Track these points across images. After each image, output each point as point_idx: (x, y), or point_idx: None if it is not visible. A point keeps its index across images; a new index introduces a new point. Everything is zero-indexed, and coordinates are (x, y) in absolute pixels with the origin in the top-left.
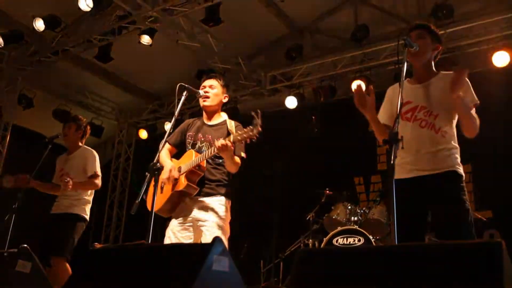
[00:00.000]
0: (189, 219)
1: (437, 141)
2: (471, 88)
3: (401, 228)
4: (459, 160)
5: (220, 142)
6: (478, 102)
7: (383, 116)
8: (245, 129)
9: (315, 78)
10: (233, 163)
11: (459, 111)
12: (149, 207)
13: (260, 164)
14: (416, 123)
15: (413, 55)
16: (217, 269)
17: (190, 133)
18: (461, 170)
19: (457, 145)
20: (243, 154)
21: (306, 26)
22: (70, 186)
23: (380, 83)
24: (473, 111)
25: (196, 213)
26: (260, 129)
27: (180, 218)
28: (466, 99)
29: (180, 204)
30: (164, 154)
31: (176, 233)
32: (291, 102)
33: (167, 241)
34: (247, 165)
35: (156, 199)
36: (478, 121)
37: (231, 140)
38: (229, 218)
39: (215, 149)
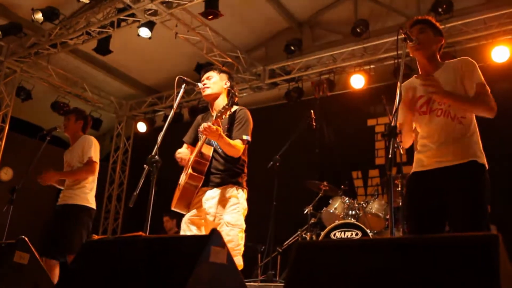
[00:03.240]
0: (201, 211)
1: (454, 129)
2: (476, 69)
3: (420, 221)
4: (480, 147)
5: (202, 125)
6: (482, 81)
7: (400, 117)
8: (223, 105)
9: (314, 72)
10: (228, 146)
11: (453, 105)
12: (172, 206)
13: (257, 158)
14: (433, 113)
15: (417, 49)
16: (215, 261)
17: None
18: (482, 159)
19: (476, 129)
20: (245, 137)
21: (305, 20)
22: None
23: (379, 77)
24: (482, 91)
25: (207, 205)
26: (235, 99)
27: (193, 210)
28: (455, 91)
29: (195, 197)
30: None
31: (189, 226)
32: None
33: (181, 234)
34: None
35: (174, 196)
36: (486, 100)
37: (214, 119)
38: (243, 208)
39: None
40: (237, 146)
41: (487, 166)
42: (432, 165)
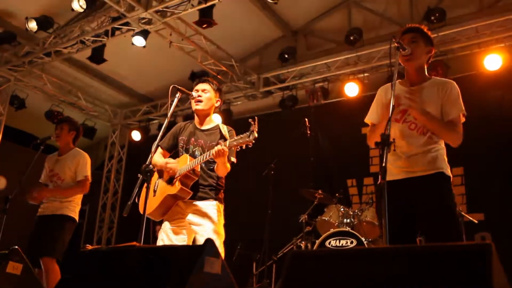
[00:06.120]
0: (183, 222)
1: (424, 143)
2: (459, 97)
3: (392, 230)
4: (446, 161)
5: (217, 147)
6: (463, 112)
7: (374, 117)
8: (241, 135)
9: (308, 80)
10: (225, 168)
11: (425, 124)
12: (141, 210)
13: (252, 166)
14: (405, 125)
15: (407, 59)
16: (209, 271)
17: (182, 137)
18: (448, 171)
19: (443, 146)
20: (233, 159)
21: (299, 29)
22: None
23: (373, 85)
24: (457, 122)
25: (191, 217)
26: (256, 135)
27: (174, 221)
28: (430, 113)
29: (172, 207)
30: (157, 158)
31: (169, 235)
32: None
33: (160, 243)
34: (240, 167)
35: (149, 203)
36: (457, 130)
37: (227, 145)
38: (222, 221)
39: (211, 154)
40: (228, 168)
41: (452, 177)
42: (401, 175)
